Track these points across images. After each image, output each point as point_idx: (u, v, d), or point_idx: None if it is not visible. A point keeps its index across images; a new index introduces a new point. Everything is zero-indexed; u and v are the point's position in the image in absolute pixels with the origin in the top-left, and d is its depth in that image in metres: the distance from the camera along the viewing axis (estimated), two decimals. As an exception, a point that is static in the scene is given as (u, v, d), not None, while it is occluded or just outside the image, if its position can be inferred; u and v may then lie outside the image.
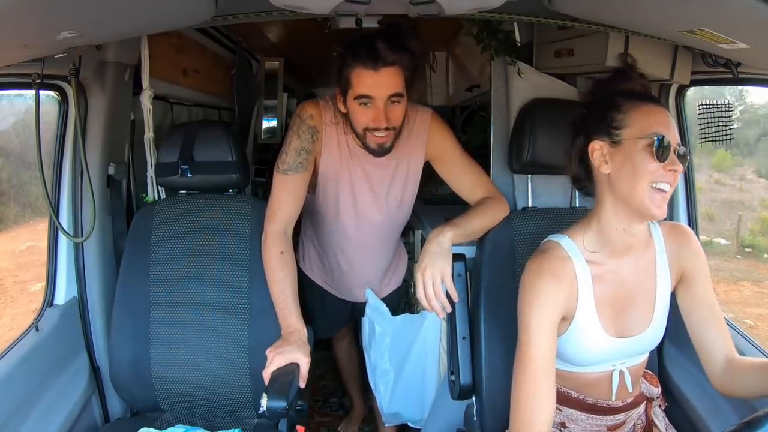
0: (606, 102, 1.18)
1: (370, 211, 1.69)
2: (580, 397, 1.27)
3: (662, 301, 1.24)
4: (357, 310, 1.94)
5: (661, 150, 1.09)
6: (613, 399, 1.26)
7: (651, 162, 1.10)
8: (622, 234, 1.18)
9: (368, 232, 1.73)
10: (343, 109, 1.51)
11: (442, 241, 1.40)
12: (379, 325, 1.80)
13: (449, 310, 1.40)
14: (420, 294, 1.37)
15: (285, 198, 1.52)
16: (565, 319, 1.20)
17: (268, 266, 1.48)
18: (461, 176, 1.61)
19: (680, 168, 1.10)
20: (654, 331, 1.24)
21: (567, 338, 1.21)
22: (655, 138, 1.09)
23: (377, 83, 1.42)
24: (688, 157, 1.13)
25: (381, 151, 1.51)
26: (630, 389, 1.27)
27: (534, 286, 1.16)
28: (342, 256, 1.81)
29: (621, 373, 1.25)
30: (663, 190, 1.10)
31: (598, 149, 1.16)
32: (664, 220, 1.36)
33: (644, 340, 1.24)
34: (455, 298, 1.40)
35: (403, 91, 1.45)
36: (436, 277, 1.36)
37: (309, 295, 1.93)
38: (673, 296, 1.28)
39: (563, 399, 1.28)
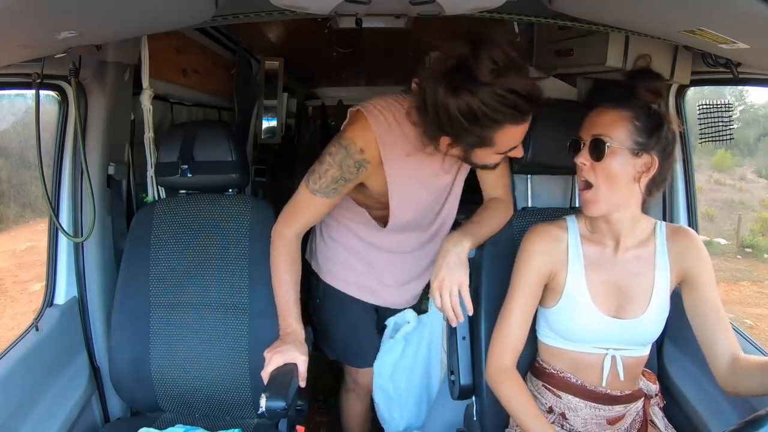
0: None
1: (426, 222, 1.62)
2: (579, 382, 1.31)
3: (659, 295, 1.28)
4: (380, 323, 1.83)
5: (570, 147, 1.27)
6: (603, 385, 1.30)
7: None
8: (603, 222, 1.29)
9: (417, 242, 1.66)
10: (455, 153, 1.31)
11: (460, 252, 1.37)
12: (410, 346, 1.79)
13: (462, 319, 1.38)
14: (437, 305, 1.37)
15: (307, 212, 1.46)
16: (555, 291, 1.30)
17: (276, 266, 1.45)
18: (491, 171, 1.51)
19: (580, 160, 1.24)
20: (649, 322, 1.28)
21: (559, 311, 1.29)
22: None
23: (525, 129, 1.27)
24: (599, 146, 1.21)
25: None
26: (621, 378, 1.30)
27: (528, 242, 1.34)
28: (387, 266, 1.70)
29: (613, 359, 1.29)
30: (583, 181, 1.25)
31: None
32: (666, 221, 1.38)
33: (638, 328, 1.28)
34: (470, 310, 1.37)
35: None
36: (454, 289, 1.35)
37: (339, 323, 1.77)
38: (676, 296, 1.31)
39: (562, 384, 1.32)
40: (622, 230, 1.28)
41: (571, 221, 1.35)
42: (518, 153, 1.33)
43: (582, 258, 1.30)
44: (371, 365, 1.81)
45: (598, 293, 1.28)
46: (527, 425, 1.25)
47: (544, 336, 1.36)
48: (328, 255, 1.72)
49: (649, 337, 1.31)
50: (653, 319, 1.28)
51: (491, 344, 1.34)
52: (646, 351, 1.34)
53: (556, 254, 1.31)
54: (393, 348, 1.80)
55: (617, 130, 1.21)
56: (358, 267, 1.70)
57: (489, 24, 1.23)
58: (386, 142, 1.39)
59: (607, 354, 1.29)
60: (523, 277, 1.32)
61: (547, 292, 1.33)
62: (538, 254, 1.31)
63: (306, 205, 1.44)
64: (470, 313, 1.38)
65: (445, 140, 1.26)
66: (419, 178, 1.48)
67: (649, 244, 1.30)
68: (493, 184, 1.57)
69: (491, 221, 1.50)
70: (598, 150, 1.21)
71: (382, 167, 1.42)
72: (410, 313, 1.77)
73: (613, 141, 1.20)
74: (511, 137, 1.25)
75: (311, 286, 1.76)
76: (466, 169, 1.55)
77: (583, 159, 1.24)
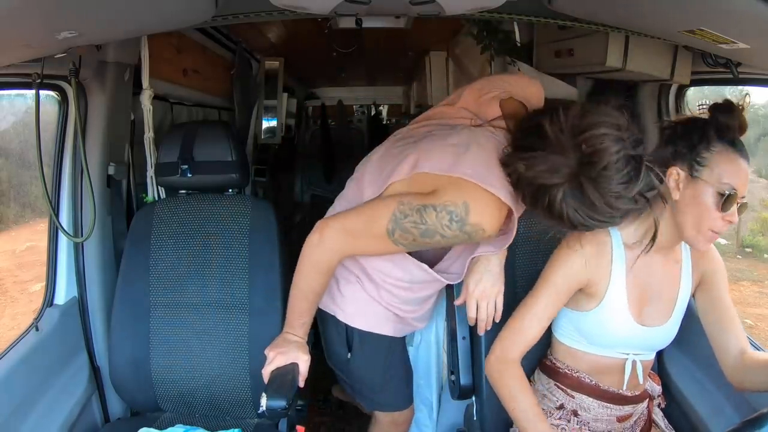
0: (701, 133, 1.18)
1: None
2: (593, 383, 1.31)
3: (681, 303, 1.30)
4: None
5: (727, 203, 1.14)
6: (624, 388, 1.31)
7: (714, 210, 1.14)
8: (662, 241, 1.24)
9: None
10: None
11: (502, 261, 1.33)
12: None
13: (489, 328, 1.36)
14: (472, 315, 1.34)
15: (374, 250, 1.30)
16: (593, 296, 1.26)
17: (308, 283, 1.29)
18: None
19: (735, 220, 1.16)
20: (670, 329, 1.30)
21: (594, 316, 1.27)
22: (727, 191, 1.13)
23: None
24: (743, 211, 1.17)
25: None
26: (641, 381, 1.32)
27: (571, 244, 1.24)
28: (422, 302, 1.54)
29: (633, 363, 1.30)
30: (716, 233, 1.16)
31: (674, 175, 1.19)
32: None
33: (660, 334, 1.30)
34: (498, 318, 1.35)
35: None
36: (491, 301, 1.32)
37: (381, 370, 1.58)
38: None
39: (576, 385, 1.32)
40: (671, 243, 1.27)
41: (612, 228, 1.26)
42: None
43: (625, 266, 1.26)
44: (412, 401, 1.68)
45: (633, 301, 1.27)
46: (529, 427, 1.22)
47: (565, 337, 1.34)
48: (359, 301, 1.48)
49: (667, 342, 1.33)
50: (673, 326, 1.30)
51: (502, 333, 1.28)
52: (655, 352, 1.37)
53: (600, 262, 1.25)
54: (413, 354, 1.79)
55: None
56: (394, 308, 1.50)
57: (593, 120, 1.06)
58: (516, 215, 1.24)
59: (627, 358, 1.30)
60: (559, 277, 1.25)
61: (582, 296, 1.29)
62: (583, 258, 1.24)
63: (375, 245, 1.25)
64: (497, 321, 1.35)
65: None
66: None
67: (677, 254, 1.31)
68: None
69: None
70: (741, 212, 1.18)
71: None
72: None
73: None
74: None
75: (336, 342, 1.53)
76: None
77: (736, 218, 1.16)
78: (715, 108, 1.19)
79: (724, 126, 1.17)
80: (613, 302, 1.26)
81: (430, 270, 1.38)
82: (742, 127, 1.18)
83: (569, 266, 1.24)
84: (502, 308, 1.34)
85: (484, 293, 1.30)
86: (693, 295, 1.33)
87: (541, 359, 1.41)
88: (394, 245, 1.21)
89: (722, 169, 1.15)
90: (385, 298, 1.46)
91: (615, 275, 1.26)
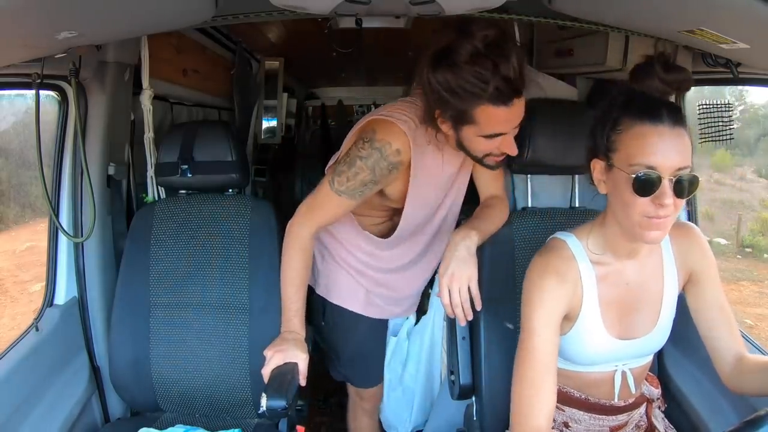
0: (606, 114, 1.09)
1: (439, 215, 1.60)
2: (582, 397, 1.27)
3: (669, 303, 1.23)
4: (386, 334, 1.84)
5: (642, 186, 1.01)
6: (616, 399, 1.26)
7: (636, 197, 1.03)
8: (625, 242, 1.16)
9: (417, 250, 1.65)
10: (448, 132, 1.33)
11: (470, 246, 1.36)
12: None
13: (470, 318, 1.36)
14: (446, 301, 1.34)
15: (328, 212, 1.44)
16: (569, 319, 1.19)
17: (289, 265, 1.42)
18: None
19: (667, 202, 1.00)
20: (659, 333, 1.23)
21: (570, 338, 1.20)
22: (637, 173, 1.01)
23: (510, 118, 1.27)
24: (692, 184, 1.02)
25: (497, 166, 1.42)
26: (633, 390, 1.27)
27: (538, 285, 1.15)
28: (392, 280, 1.69)
29: (623, 374, 1.25)
30: (657, 217, 1.03)
31: (597, 168, 1.12)
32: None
33: (648, 342, 1.23)
34: (478, 305, 1.35)
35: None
36: (463, 285, 1.33)
37: (348, 343, 1.74)
38: (678, 297, 1.27)
39: (566, 399, 1.28)
40: (642, 247, 1.18)
41: (574, 244, 1.19)
42: (510, 149, 1.31)
43: (595, 284, 1.18)
44: (378, 383, 1.82)
45: (609, 316, 1.19)
46: None
47: None
48: (332, 276, 1.68)
49: (658, 347, 1.27)
50: (663, 329, 1.23)
51: (517, 403, 1.13)
52: (651, 356, 1.31)
53: (571, 291, 1.16)
54: (399, 348, 1.81)
55: (690, 154, 1.03)
56: (365, 284, 1.66)
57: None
58: (415, 143, 1.37)
59: (616, 370, 1.24)
60: (542, 322, 1.14)
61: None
62: (556, 298, 1.15)
63: (327, 205, 1.42)
64: (478, 308, 1.36)
65: (437, 113, 1.30)
66: (432, 175, 1.47)
67: (656, 251, 1.23)
68: (489, 181, 1.57)
69: (494, 218, 1.49)
70: (689, 187, 1.02)
71: (409, 169, 1.40)
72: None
73: (692, 169, 1.02)
74: (492, 119, 1.24)
75: (314, 309, 1.69)
76: (469, 164, 1.53)
77: (669, 200, 1.01)
78: (631, 74, 1.11)
79: (632, 94, 1.06)
80: (587, 322, 1.18)
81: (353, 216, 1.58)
82: (674, 83, 1.07)
83: (544, 307, 1.14)
84: (479, 295, 1.35)
85: (454, 277, 1.32)
86: (684, 290, 1.25)
87: None
88: (336, 195, 1.39)
89: (630, 148, 1.03)
90: (353, 264, 1.64)
91: (586, 293, 1.17)
